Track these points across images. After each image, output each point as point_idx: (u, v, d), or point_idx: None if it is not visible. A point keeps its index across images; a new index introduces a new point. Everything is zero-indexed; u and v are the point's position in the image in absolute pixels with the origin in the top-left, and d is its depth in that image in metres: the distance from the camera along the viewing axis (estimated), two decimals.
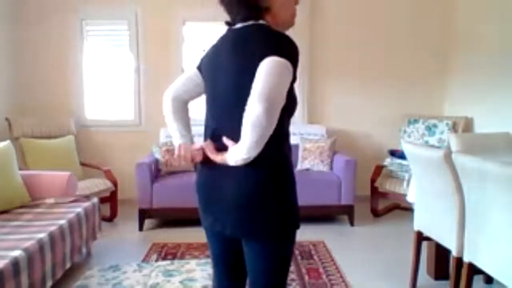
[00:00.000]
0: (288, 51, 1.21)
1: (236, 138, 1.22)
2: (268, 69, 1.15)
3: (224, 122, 1.31)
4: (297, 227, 1.36)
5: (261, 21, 1.30)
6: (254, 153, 1.18)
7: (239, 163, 1.21)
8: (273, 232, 1.31)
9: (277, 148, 1.28)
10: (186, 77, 1.49)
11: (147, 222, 3.88)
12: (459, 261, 2.15)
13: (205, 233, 1.50)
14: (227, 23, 1.35)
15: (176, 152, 1.40)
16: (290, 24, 1.39)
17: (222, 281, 1.54)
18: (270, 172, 1.27)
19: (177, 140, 1.45)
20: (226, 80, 1.29)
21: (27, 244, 2.14)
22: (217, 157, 1.28)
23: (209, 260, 2.94)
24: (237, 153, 1.20)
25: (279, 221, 1.31)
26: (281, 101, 1.17)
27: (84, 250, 2.93)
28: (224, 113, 1.31)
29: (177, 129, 1.47)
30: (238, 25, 1.30)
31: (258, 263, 1.35)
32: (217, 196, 1.34)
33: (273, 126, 1.16)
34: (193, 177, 1.45)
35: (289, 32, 1.34)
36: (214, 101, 1.36)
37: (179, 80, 1.51)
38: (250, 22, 1.29)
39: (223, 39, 1.35)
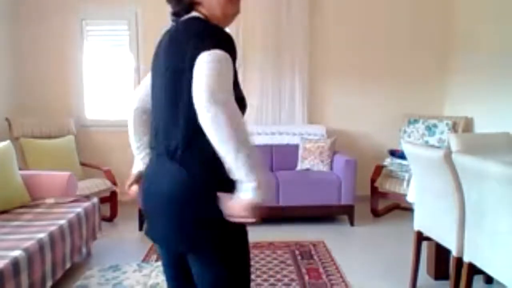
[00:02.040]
0: (224, 42, 1.11)
1: (172, 143, 1.17)
2: (206, 65, 1.05)
3: (160, 123, 1.24)
4: (225, 240, 1.19)
5: (194, 13, 1.22)
6: (243, 150, 1.02)
7: (245, 169, 1.03)
8: (194, 245, 1.18)
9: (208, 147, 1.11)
10: (147, 83, 1.39)
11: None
12: (459, 261, 2.15)
13: None
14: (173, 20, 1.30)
15: (126, 188, 1.33)
16: (231, 14, 1.27)
17: None
18: (194, 173, 1.15)
19: (136, 168, 1.40)
20: (160, 80, 1.23)
21: (27, 244, 2.14)
22: (232, 204, 1.09)
23: None
24: (235, 165, 1.04)
25: (198, 232, 1.17)
26: (231, 95, 1.05)
27: (84, 250, 2.93)
28: (160, 114, 1.23)
29: (139, 155, 1.41)
30: (178, 21, 1.26)
31: (197, 279, 1.25)
32: (151, 197, 1.27)
33: (236, 120, 1.01)
34: None
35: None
36: (153, 102, 1.30)
37: (140, 87, 1.43)
38: (185, 17, 1.23)
39: (163, 36, 1.30)
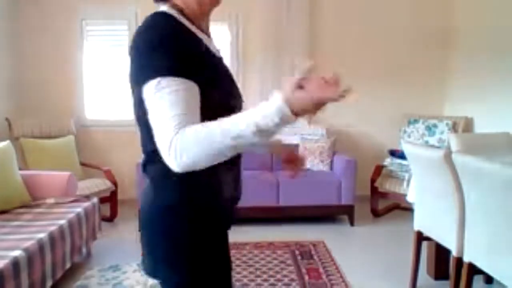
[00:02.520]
0: (174, 59, 0.94)
1: (144, 155, 1.11)
2: (152, 101, 0.92)
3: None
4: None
5: (163, 7, 1.06)
6: (225, 148, 0.89)
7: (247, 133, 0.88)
8: (151, 270, 1.13)
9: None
10: None
11: None
12: (459, 261, 2.15)
13: None
14: None
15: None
16: (209, 5, 1.10)
17: None
18: (159, 191, 1.08)
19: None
20: None
21: (27, 244, 2.14)
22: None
23: None
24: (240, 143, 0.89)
25: (154, 259, 1.13)
26: (183, 123, 0.91)
27: (84, 250, 2.93)
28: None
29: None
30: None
31: None
32: None
33: (199, 146, 0.88)
34: None
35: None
36: None
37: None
38: (154, 12, 1.03)
39: None
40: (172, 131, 0.89)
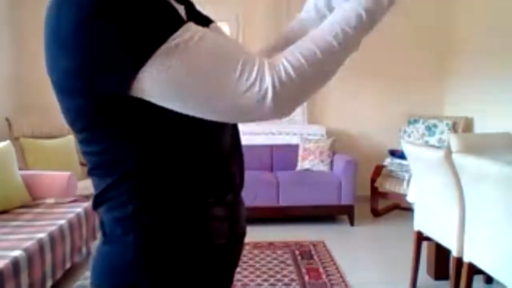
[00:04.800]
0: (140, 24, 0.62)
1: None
2: (186, 76, 0.66)
3: None
4: None
5: None
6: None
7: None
8: None
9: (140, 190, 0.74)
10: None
11: None
12: (459, 261, 2.15)
13: None
14: None
15: None
16: None
17: None
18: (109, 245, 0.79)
19: None
20: None
21: (27, 244, 2.14)
22: None
23: None
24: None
25: None
26: (247, 60, 0.69)
27: (84, 250, 2.93)
28: None
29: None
30: None
31: None
32: None
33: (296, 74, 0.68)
34: None
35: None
36: None
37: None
38: None
39: None
40: (249, 70, 0.64)
